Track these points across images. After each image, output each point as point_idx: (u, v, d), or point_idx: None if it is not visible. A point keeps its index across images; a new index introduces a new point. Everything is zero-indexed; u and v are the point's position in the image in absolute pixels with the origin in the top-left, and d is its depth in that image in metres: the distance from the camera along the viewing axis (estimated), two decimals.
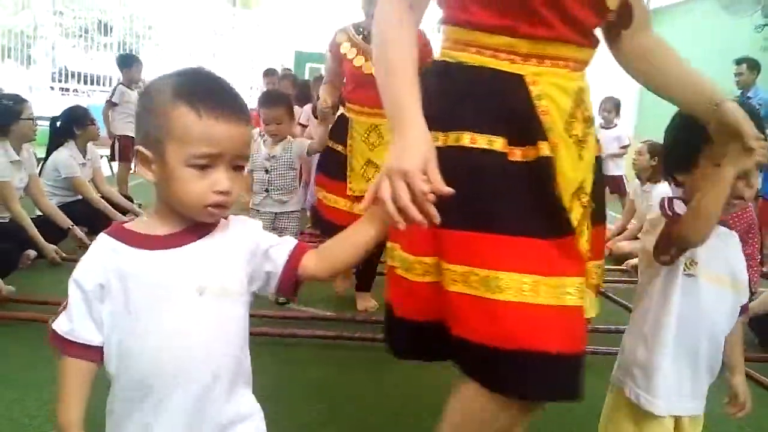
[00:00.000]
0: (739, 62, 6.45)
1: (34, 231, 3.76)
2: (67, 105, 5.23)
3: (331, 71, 3.31)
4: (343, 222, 2.92)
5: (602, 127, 6.63)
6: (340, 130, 3.21)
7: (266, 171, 3.34)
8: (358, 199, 2.97)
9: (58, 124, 4.78)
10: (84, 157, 4.81)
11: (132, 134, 6.05)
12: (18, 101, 3.87)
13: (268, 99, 3.41)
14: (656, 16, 9.43)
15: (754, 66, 6.26)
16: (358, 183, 3.14)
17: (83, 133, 4.81)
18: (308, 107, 6.04)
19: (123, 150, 6.22)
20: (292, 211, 3.46)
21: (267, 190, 3.37)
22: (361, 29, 3.14)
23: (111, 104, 6.31)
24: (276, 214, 3.40)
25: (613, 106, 6.95)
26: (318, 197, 3.37)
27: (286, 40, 23.02)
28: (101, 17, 17.34)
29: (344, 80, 3.29)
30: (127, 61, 6.61)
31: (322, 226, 3.33)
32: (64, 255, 3.88)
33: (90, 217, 4.53)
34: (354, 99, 3.17)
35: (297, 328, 2.99)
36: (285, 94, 3.54)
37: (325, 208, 3.26)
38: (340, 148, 3.21)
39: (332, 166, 3.25)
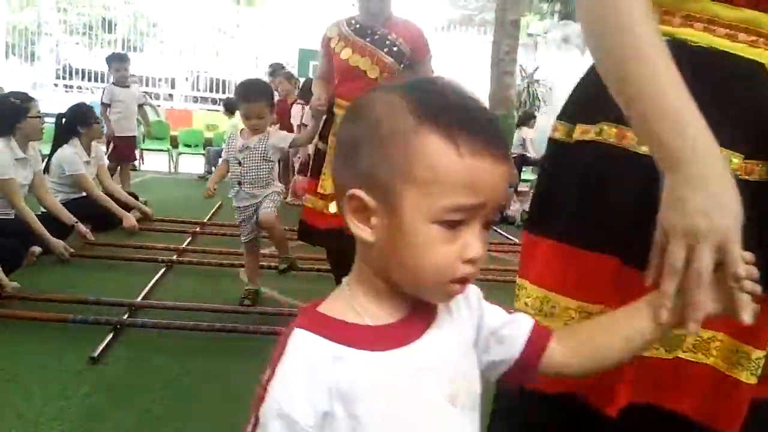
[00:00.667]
0: None
1: (40, 227, 3.77)
2: (71, 102, 5.25)
3: (322, 67, 3.19)
4: (314, 223, 2.99)
5: None
6: (327, 129, 3.06)
7: (239, 163, 3.17)
8: (328, 198, 2.87)
9: (63, 121, 4.80)
10: (88, 154, 4.82)
11: (123, 134, 6.05)
12: (25, 99, 3.87)
13: (249, 93, 3.19)
14: None
15: None
16: (329, 182, 2.89)
17: (87, 131, 4.82)
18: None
19: (113, 151, 6.06)
20: (270, 192, 3.25)
21: (239, 183, 3.20)
22: (353, 22, 3.03)
23: (104, 105, 6.18)
24: (252, 205, 3.23)
25: None
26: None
27: (290, 37, 23.04)
28: (105, 14, 17.36)
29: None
30: (113, 59, 6.38)
31: (299, 228, 3.17)
32: (72, 250, 3.90)
33: (94, 214, 4.55)
34: (340, 93, 3.01)
35: None
36: (266, 87, 3.37)
37: (304, 210, 3.13)
38: (322, 146, 3.07)
39: (314, 166, 3.10)
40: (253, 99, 3.14)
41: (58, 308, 2.99)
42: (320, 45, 3.15)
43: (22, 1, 17.08)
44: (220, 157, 8.26)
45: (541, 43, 13.97)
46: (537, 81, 13.16)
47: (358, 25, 2.99)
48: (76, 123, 4.78)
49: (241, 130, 3.29)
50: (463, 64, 14.21)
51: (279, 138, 3.24)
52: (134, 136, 6.36)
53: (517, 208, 7.10)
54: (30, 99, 3.93)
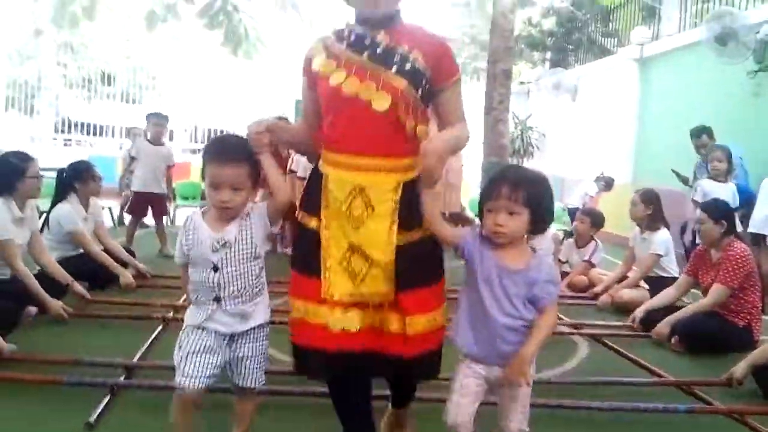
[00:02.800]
0: (698, 134, 6.66)
1: (38, 288, 3.76)
2: (69, 155, 5.31)
3: (304, 103, 2.24)
4: (321, 345, 2.02)
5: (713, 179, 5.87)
6: (312, 194, 2.11)
7: (214, 268, 2.09)
8: (340, 306, 2.03)
9: (62, 177, 4.85)
10: (86, 210, 4.85)
11: (148, 190, 6.19)
12: (24, 159, 3.90)
13: (223, 152, 2.09)
14: (649, 64, 9.62)
15: (711, 133, 6.58)
16: (340, 280, 2.04)
17: (85, 188, 4.86)
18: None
19: (133, 205, 6.45)
20: (257, 326, 2.19)
21: (218, 299, 2.10)
22: (346, 33, 2.09)
23: (131, 159, 6.49)
24: (231, 335, 2.15)
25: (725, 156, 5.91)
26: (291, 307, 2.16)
27: (286, 89, 23.37)
28: (105, 68, 17.66)
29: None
30: (153, 115, 6.59)
31: (294, 353, 2.15)
32: (70, 310, 3.89)
33: (91, 272, 4.55)
34: (330, 141, 2.08)
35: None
36: (246, 145, 2.10)
37: (293, 324, 2.12)
38: (313, 223, 2.10)
39: (301, 252, 2.15)
40: (228, 160, 2.05)
41: (54, 370, 2.97)
42: (302, 72, 2.21)
43: (23, 56, 17.40)
44: None
45: (533, 90, 14.21)
46: (530, 128, 13.34)
47: (353, 36, 2.06)
48: (73, 180, 4.83)
49: (204, 211, 2.17)
50: None
51: (262, 217, 2.16)
52: (162, 194, 6.44)
53: None
54: (29, 158, 3.96)
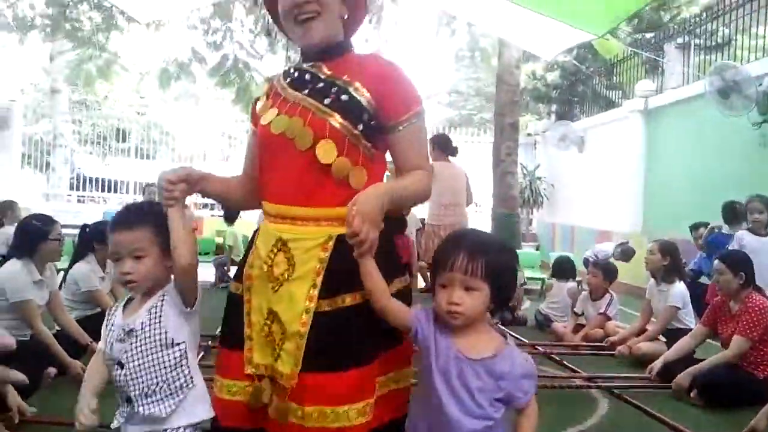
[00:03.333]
0: (695, 228, 6.76)
1: (57, 348, 3.80)
2: (84, 212, 5.40)
3: (246, 148, 2.00)
4: (240, 424, 1.75)
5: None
6: (246, 254, 1.88)
7: (119, 364, 1.80)
8: (266, 380, 1.72)
9: (82, 237, 4.92)
10: (104, 270, 4.90)
11: None
12: (47, 222, 3.99)
13: (120, 217, 1.87)
14: (654, 116, 9.76)
15: (706, 225, 6.61)
16: (260, 351, 1.74)
17: (103, 248, 4.91)
18: None
19: None
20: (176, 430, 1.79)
21: (129, 400, 1.82)
22: (293, 70, 1.86)
23: None
24: None
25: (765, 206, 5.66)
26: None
27: None
28: (118, 124, 18.03)
29: None
30: None
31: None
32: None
33: None
34: (261, 188, 1.84)
35: None
36: (151, 209, 1.85)
37: (214, 400, 1.83)
38: (237, 287, 1.86)
39: (226, 321, 1.88)
40: (124, 226, 1.79)
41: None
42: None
43: (38, 113, 17.82)
44: (224, 266, 8.37)
45: (539, 141, 14.38)
46: (538, 178, 13.45)
47: (296, 73, 1.83)
48: (93, 239, 4.90)
49: (128, 301, 1.88)
50: (466, 165, 14.57)
51: (173, 294, 1.82)
52: None
53: (527, 307, 7.09)
54: (52, 222, 4.05)
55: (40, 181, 16.23)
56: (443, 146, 6.82)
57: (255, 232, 1.86)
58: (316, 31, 1.74)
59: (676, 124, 9.27)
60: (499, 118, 10.96)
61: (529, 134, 14.63)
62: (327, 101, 1.71)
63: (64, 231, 4.79)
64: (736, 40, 9.18)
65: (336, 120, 1.69)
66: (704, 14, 9.87)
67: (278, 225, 1.74)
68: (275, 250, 1.72)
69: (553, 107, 14.56)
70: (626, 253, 7.08)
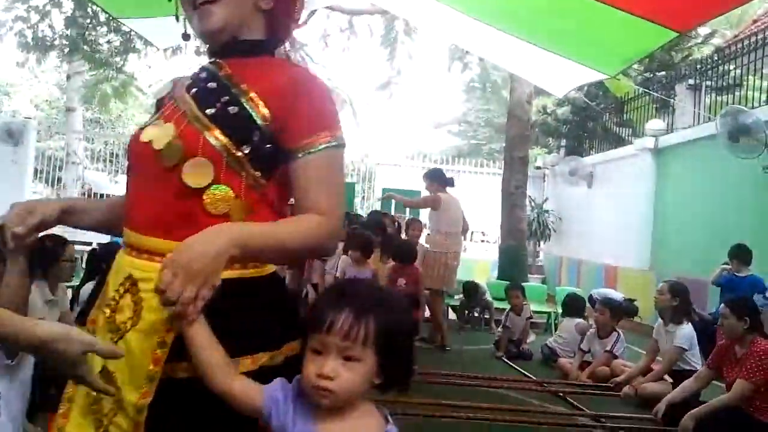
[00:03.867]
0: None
1: None
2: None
3: None
4: None
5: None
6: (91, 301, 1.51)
7: None
8: None
9: (93, 257, 4.97)
10: None
11: None
12: (60, 243, 4.03)
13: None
14: (664, 155, 9.81)
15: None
16: (78, 421, 1.33)
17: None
18: None
19: None
20: None
21: None
22: (197, 69, 1.51)
23: None
24: None
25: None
26: None
27: None
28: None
29: None
30: None
31: None
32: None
33: None
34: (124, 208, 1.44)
35: None
36: None
37: None
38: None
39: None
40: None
41: None
42: None
43: (52, 130, 18.02)
44: None
45: (548, 174, 14.43)
46: (546, 211, 13.47)
47: (199, 72, 1.48)
48: (103, 260, 4.93)
49: None
50: (474, 194, 14.63)
51: None
52: None
53: (533, 341, 7.06)
54: (64, 243, 4.09)
55: (51, 197, 16.35)
56: (439, 179, 7.00)
57: (111, 261, 1.43)
58: (214, 17, 1.37)
59: (686, 163, 9.30)
60: (509, 151, 11.03)
61: (538, 167, 14.68)
62: (210, 111, 1.32)
63: (77, 248, 4.86)
64: (747, 81, 9.24)
65: (214, 135, 1.29)
66: (716, 56, 9.96)
67: (132, 259, 1.33)
68: (122, 290, 1.32)
69: (563, 142, 14.63)
70: (631, 310, 7.10)
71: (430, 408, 4.26)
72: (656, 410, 4.33)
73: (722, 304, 4.37)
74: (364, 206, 12.37)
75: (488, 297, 8.46)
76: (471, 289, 8.29)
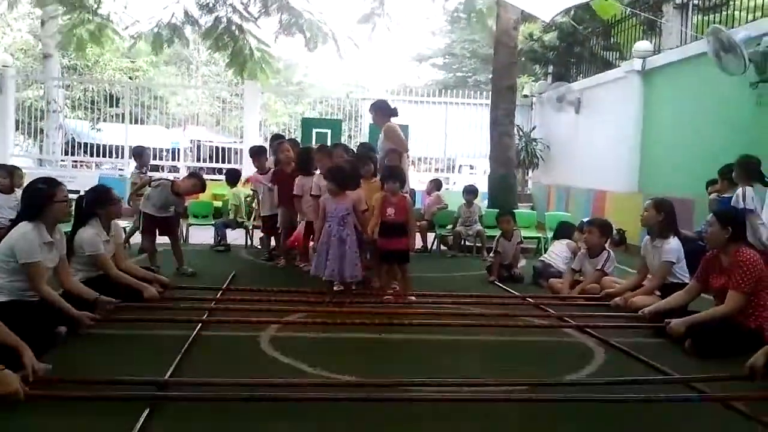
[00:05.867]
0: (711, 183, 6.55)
1: (63, 303, 3.89)
2: (80, 177, 5.45)
3: None
4: None
5: None
6: None
7: None
8: None
9: (84, 202, 4.94)
10: (108, 234, 4.94)
11: (150, 212, 6.32)
12: (52, 184, 4.02)
13: None
14: (652, 77, 9.75)
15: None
16: None
17: (106, 212, 4.95)
18: (317, 177, 6.24)
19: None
20: None
21: None
22: None
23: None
24: None
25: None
26: None
27: (292, 107, 23.67)
28: (110, 90, 17.83)
29: None
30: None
31: None
32: (98, 317, 4.06)
33: (114, 292, 4.62)
34: None
35: None
36: None
37: None
38: None
39: None
40: None
41: (88, 389, 3.05)
42: None
43: (30, 79, 17.60)
44: (227, 227, 8.47)
45: (536, 102, 14.37)
46: (534, 140, 13.48)
47: None
48: (94, 205, 4.93)
49: None
50: (462, 126, 14.60)
51: None
52: (171, 216, 6.52)
53: (523, 265, 7.18)
54: (57, 183, 4.08)
55: (32, 148, 16.14)
56: (385, 109, 6.95)
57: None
58: None
59: (674, 84, 9.28)
60: (496, 80, 10.92)
61: (525, 96, 14.59)
62: None
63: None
64: (734, 0, 9.13)
65: None
66: None
67: None
68: None
69: (551, 69, 14.50)
70: (621, 240, 7.32)
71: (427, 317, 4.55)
72: (643, 311, 4.52)
73: (710, 214, 4.48)
74: (352, 144, 12.29)
75: (478, 226, 8.56)
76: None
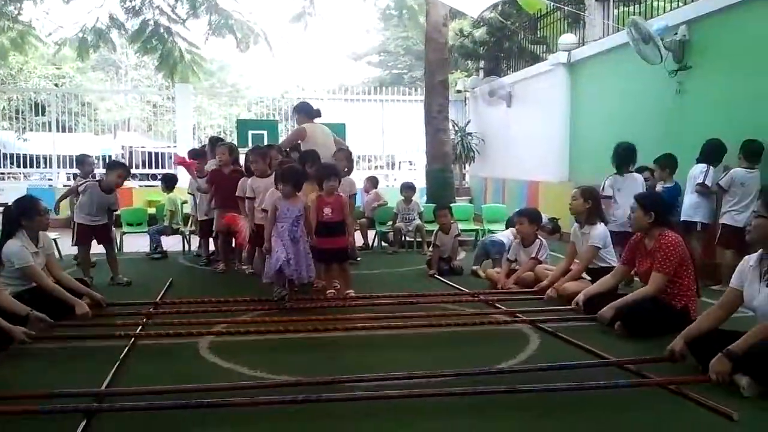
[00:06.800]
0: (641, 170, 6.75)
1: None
2: (7, 189, 5.29)
3: None
4: None
5: None
6: None
7: None
8: None
9: (9, 214, 4.79)
10: (36, 245, 4.79)
11: (82, 222, 6.20)
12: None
13: None
14: (577, 68, 10.07)
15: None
16: None
17: (32, 224, 4.79)
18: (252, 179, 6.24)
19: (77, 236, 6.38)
20: None
21: None
22: None
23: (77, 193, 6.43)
24: None
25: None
26: None
27: (227, 109, 23.29)
28: (35, 98, 17.17)
29: None
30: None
31: None
32: (33, 333, 3.95)
33: (46, 304, 4.49)
34: None
35: None
36: None
37: None
38: None
39: None
40: None
41: (24, 403, 2.98)
42: None
43: None
44: (162, 234, 8.30)
45: (469, 97, 14.62)
46: (469, 134, 13.72)
47: None
48: (20, 216, 4.76)
49: None
50: (398, 122, 14.73)
51: None
52: (106, 223, 6.35)
53: (462, 258, 7.33)
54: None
55: None
56: (304, 110, 7.18)
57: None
58: None
59: (598, 75, 9.61)
60: (429, 76, 11.06)
61: (458, 91, 14.82)
62: None
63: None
64: None
65: None
66: None
67: None
68: None
69: (482, 63, 14.76)
70: (555, 229, 7.64)
71: (368, 321, 4.50)
72: (576, 301, 4.68)
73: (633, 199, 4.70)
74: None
75: (418, 221, 8.68)
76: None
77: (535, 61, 12.10)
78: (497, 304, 5.08)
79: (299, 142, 7.05)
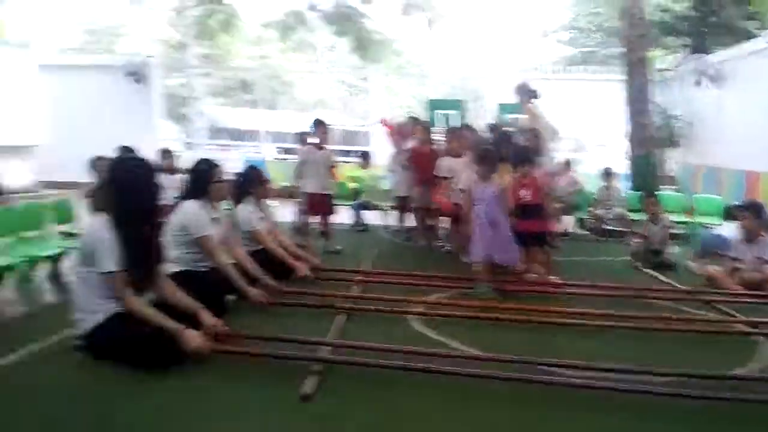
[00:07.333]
0: None
1: (238, 277, 4.19)
2: (227, 161, 5.79)
3: None
4: None
5: None
6: None
7: None
8: None
9: (238, 183, 5.25)
10: (262, 212, 5.22)
11: (313, 190, 6.77)
12: (212, 166, 4.36)
13: None
14: None
15: None
16: None
17: (258, 191, 5.24)
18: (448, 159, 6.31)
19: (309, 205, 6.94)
20: None
21: None
22: None
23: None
24: None
25: None
26: None
27: (416, 89, 23.75)
28: (243, 77, 18.72)
29: None
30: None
31: None
32: (270, 299, 4.26)
33: (268, 266, 4.85)
34: None
35: None
36: None
37: None
38: None
39: None
40: None
41: (264, 347, 3.32)
42: None
43: (170, 68, 18.83)
44: (364, 208, 8.66)
45: (672, 77, 13.52)
46: (674, 117, 12.69)
47: None
48: (248, 185, 5.22)
49: None
50: (592, 103, 14.00)
51: None
52: (327, 194, 6.88)
53: (675, 251, 6.78)
54: (216, 165, 4.40)
55: (178, 132, 17.21)
56: (527, 92, 6.76)
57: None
58: None
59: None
60: (628, 52, 10.31)
61: (659, 70, 13.76)
62: None
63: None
64: None
65: None
66: None
67: None
68: None
69: (684, 41, 13.57)
70: None
71: (588, 317, 4.18)
72: None
73: None
74: (475, 124, 12.14)
75: (619, 209, 8.22)
76: None
77: (746, 38, 10.85)
78: (721, 307, 4.63)
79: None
